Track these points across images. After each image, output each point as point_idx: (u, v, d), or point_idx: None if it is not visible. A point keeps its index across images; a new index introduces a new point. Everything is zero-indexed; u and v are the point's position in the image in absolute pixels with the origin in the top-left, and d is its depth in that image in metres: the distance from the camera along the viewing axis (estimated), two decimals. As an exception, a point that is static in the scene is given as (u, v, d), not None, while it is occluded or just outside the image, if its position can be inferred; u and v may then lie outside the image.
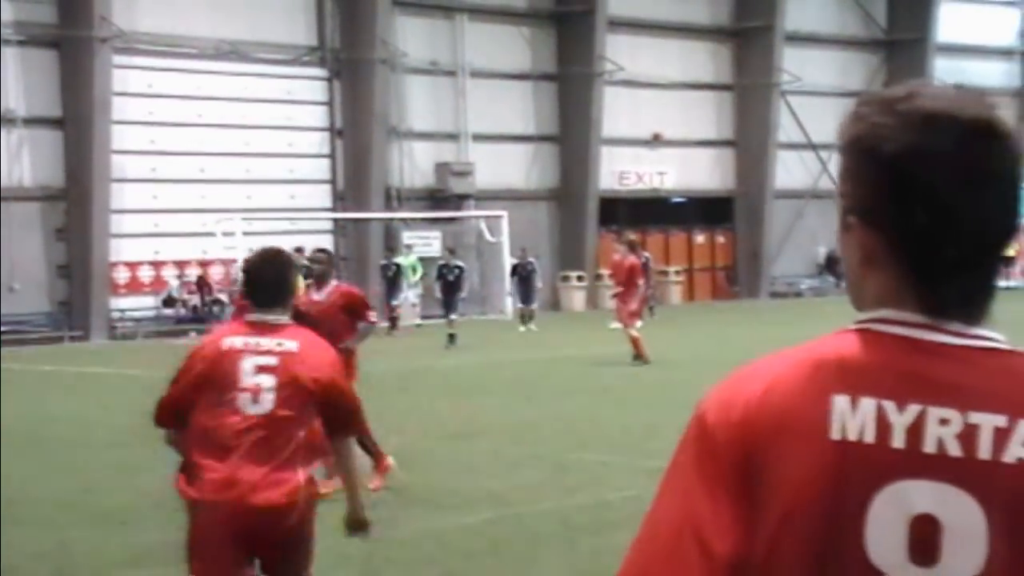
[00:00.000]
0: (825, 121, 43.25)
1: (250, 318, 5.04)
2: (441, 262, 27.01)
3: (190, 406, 4.95)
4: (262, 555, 4.90)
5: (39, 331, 29.65)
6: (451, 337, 24.12)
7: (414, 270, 31.65)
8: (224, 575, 4.83)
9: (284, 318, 5.00)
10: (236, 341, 4.95)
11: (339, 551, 7.61)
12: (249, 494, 4.69)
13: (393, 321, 28.93)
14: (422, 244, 35.16)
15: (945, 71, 44.32)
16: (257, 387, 4.80)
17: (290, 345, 4.88)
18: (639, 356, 18.76)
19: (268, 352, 4.84)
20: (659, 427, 12.49)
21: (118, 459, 11.44)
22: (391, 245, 32.60)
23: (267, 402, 4.79)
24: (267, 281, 5.04)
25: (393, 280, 29.71)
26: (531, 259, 30.63)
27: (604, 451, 11.05)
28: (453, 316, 25.32)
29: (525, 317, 28.60)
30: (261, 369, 4.81)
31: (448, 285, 26.20)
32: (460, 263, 26.82)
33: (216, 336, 5.18)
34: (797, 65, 41.26)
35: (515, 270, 30.47)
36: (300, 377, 4.81)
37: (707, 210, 41.75)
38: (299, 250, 23.63)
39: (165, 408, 5.16)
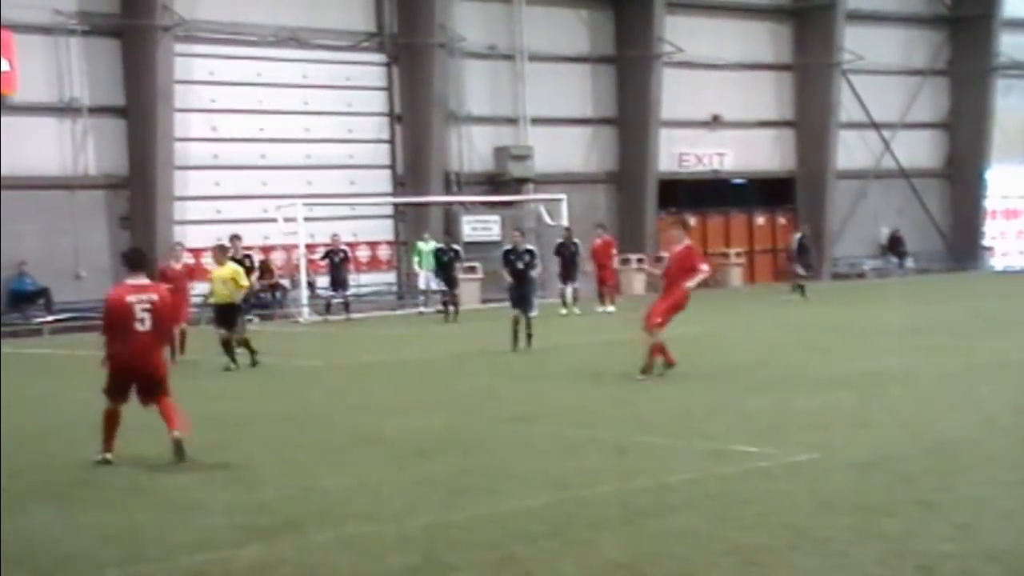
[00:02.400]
0: (887, 100, 42.72)
1: None
2: (507, 247, 21.20)
3: None
4: None
5: (105, 317, 30.05)
6: (528, 338, 19.49)
7: (424, 257, 30.98)
8: None
9: None
10: None
11: (400, 534, 7.67)
12: None
13: (451, 306, 28.48)
14: (482, 228, 35.19)
15: (1011, 47, 43.57)
16: None
17: None
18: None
19: None
20: (720, 409, 12.45)
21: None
22: (449, 229, 32.48)
23: None
24: None
25: (449, 265, 29.18)
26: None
27: (665, 434, 11.03)
28: (533, 313, 19.81)
29: (573, 298, 28.94)
30: None
31: (516, 275, 20.32)
32: (531, 247, 21.21)
33: None
34: (859, 43, 40.74)
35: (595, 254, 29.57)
36: None
37: (767, 191, 41.42)
38: (236, 237, 22.37)
39: None
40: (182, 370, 19.23)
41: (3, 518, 8.49)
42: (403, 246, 34.36)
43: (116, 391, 10.79)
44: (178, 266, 21.35)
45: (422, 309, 30.93)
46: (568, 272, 28.91)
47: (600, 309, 28.76)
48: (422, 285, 31.46)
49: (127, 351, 10.65)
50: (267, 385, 16.81)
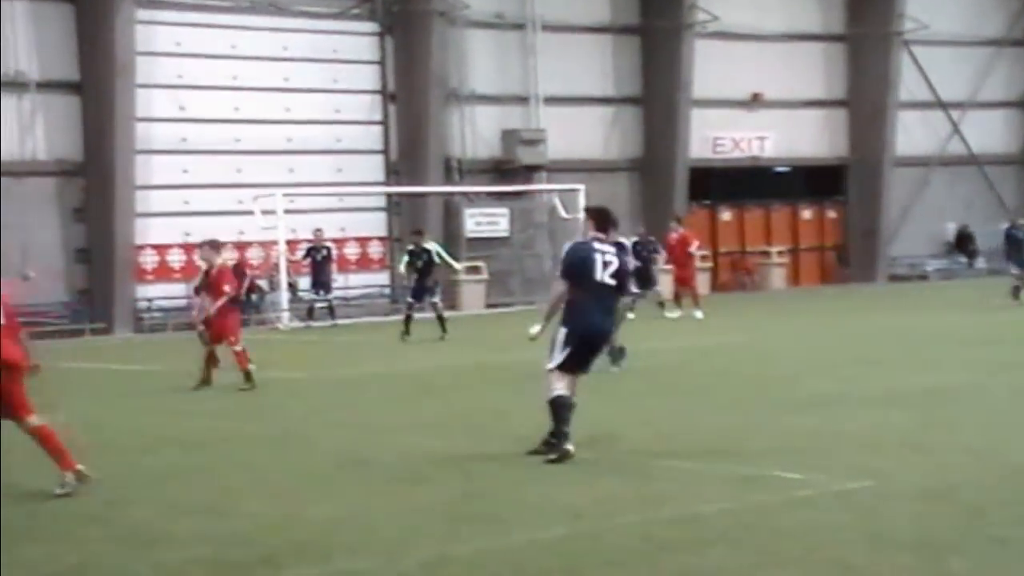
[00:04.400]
0: (956, 75, 42.68)
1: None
2: (635, 238, 19.61)
3: None
4: None
5: (57, 323, 30.20)
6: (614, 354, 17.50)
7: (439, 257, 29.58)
8: None
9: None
10: None
11: (394, 570, 7.72)
12: None
13: (411, 319, 25.37)
14: (487, 223, 35.26)
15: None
16: None
17: None
18: None
19: None
20: (758, 429, 12.47)
21: (145, 467, 11.66)
22: (419, 228, 29.12)
23: None
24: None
25: (425, 271, 25.83)
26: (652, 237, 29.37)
27: (695, 457, 11.06)
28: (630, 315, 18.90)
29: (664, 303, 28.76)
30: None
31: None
32: (622, 239, 18.94)
33: None
34: (923, 10, 40.73)
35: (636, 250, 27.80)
36: None
37: (815, 181, 41.46)
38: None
39: None
40: (150, 384, 19.29)
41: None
42: (397, 243, 34.44)
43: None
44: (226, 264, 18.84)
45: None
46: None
47: (673, 315, 27.93)
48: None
49: None
50: (242, 401, 16.87)
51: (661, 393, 15.72)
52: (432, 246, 26.04)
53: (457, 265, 30.58)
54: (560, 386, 11.15)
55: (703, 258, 38.12)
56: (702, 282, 37.83)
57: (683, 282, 29.04)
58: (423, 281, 25.81)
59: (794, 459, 10.77)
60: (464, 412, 14.82)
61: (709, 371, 18.04)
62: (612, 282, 11.16)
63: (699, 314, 27.47)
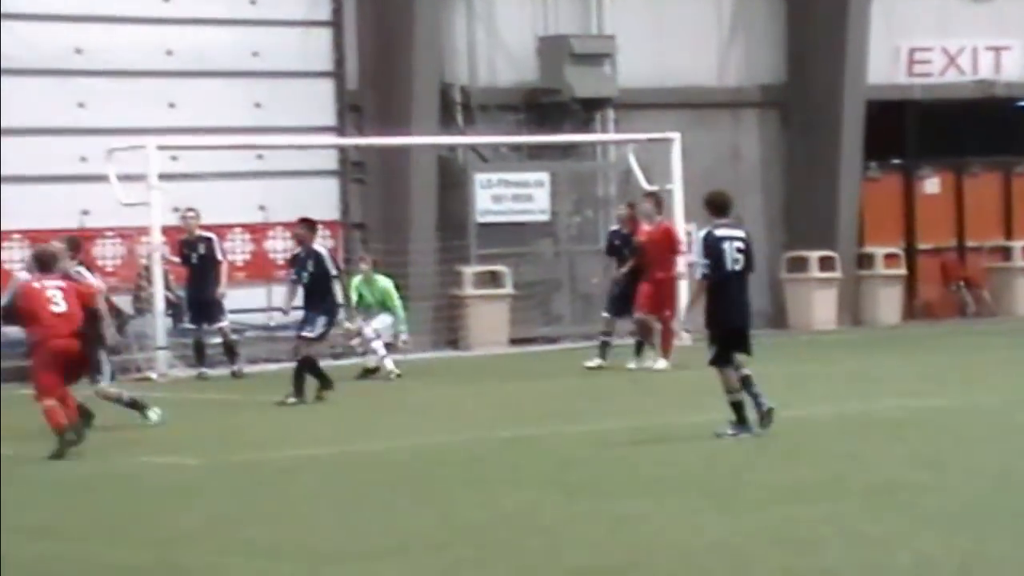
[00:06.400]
0: None
1: None
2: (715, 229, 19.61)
3: None
4: None
5: None
6: (758, 406, 19.38)
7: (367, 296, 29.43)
8: None
9: None
10: None
11: None
12: None
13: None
14: (513, 198, 35.13)
15: None
16: None
17: None
18: None
19: None
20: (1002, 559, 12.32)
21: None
22: (309, 221, 27.86)
23: None
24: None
25: (314, 288, 26.35)
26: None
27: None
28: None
29: None
30: None
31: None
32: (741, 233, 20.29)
33: None
34: None
35: None
36: None
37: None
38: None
39: None
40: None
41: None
42: (358, 230, 34.38)
43: None
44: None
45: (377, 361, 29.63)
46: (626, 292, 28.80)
47: (639, 364, 28.38)
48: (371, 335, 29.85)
49: None
50: (99, 504, 16.83)
51: (813, 497, 15.62)
52: (325, 251, 26.28)
53: (401, 314, 29.53)
54: None
55: (887, 260, 37.92)
56: (890, 302, 37.60)
57: (659, 305, 28.63)
58: (311, 304, 26.19)
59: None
60: (473, 525, 14.73)
61: (897, 459, 17.92)
62: None
63: (662, 363, 28.09)
